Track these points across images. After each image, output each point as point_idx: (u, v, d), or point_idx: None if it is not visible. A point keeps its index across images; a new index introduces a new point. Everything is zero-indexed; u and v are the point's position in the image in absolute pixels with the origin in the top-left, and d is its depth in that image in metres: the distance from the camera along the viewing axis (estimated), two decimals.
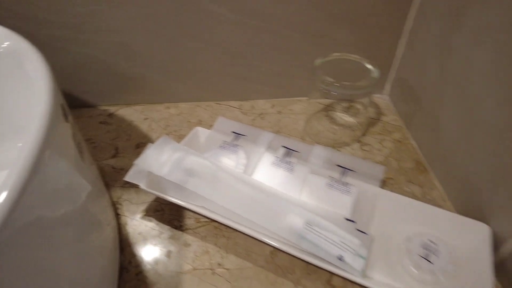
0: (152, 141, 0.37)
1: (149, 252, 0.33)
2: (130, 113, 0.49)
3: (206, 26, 0.43)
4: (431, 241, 0.33)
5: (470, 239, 0.33)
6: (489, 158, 0.32)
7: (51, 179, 0.21)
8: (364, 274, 0.30)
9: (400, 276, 0.31)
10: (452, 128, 0.38)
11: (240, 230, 0.32)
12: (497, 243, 0.31)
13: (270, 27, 0.44)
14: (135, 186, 0.36)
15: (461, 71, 0.35)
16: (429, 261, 0.31)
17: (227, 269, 0.32)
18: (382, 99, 0.52)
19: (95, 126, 0.47)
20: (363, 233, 0.31)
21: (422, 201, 0.37)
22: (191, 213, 0.36)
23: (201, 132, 0.41)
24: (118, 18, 0.41)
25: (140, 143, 0.44)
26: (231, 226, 0.32)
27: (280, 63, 0.48)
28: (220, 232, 0.35)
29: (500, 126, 0.31)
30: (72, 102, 0.48)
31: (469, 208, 0.35)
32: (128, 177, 0.34)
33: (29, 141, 0.18)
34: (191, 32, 0.43)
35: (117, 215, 0.36)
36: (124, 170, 0.38)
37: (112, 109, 0.50)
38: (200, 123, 0.48)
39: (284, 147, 0.39)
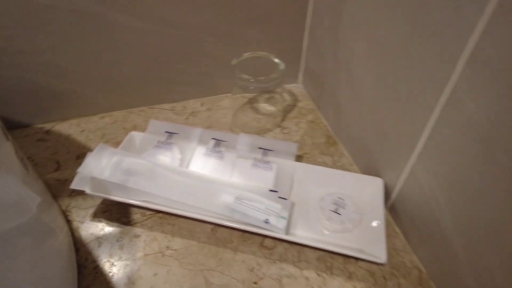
0: (91, 151, 0.41)
1: (103, 248, 0.37)
2: (67, 127, 0.51)
3: (121, 37, 0.47)
4: (340, 198, 0.41)
5: (369, 191, 0.41)
6: (373, 125, 0.41)
7: (1, 194, 0.24)
8: (287, 232, 0.37)
9: (316, 229, 0.38)
10: (347, 105, 0.46)
11: (182, 215, 0.37)
12: (388, 191, 0.40)
13: (185, 33, 0.49)
14: (81, 193, 0.39)
15: (348, 58, 0.44)
16: (338, 213, 0.39)
17: (174, 249, 0.37)
18: (297, 87, 0.60)
19: (34, 144, 0.49)
20: (284, 199, 0.38)
21: (333, 168, 0.45)
22: (137, 209, 0.40)
23: (136, 136, 0.45)
24: (38, 39, 0.44)
25: (80, 154, 0.47)
26: (174, 213, 0.37)
27: (202, 65, 0.53)
28: (165, 221, 0.39)
29: (375, 99, 0.39)
30: (6, 124, 0.49)
31: (368, 167, 0.44)
32: (73, 185, 0.37)
33: None
34: (110, 44, 0.47)
35: (68, 221, 0.39)
36: (69, 180, 0.41)
37: (48, 126, 0.52)
38: (135, 128, 0.51)
39: (214, 139, 0.45)
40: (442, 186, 0.31)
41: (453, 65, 0.26)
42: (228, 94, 0.58)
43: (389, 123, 0.37)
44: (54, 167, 0.45)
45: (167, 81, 0.53)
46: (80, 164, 0.38)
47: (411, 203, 0.36)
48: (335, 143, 0.50)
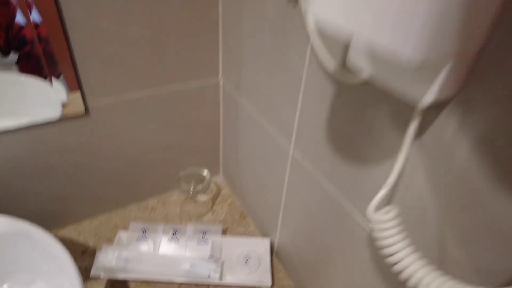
0: (89, 247, 0.66)
1: None
2: (68, 232, 0.76)
3: (98, 176, 0.75)
4: (248, 254, 0.73)
5: (263, 246, 0.74)
6: (260, 204, 0.75)
7: None
8: (221, 279, 0.67)
9: (238, 273, 0.69)
10: (248, 192, 0.80)
11: (160, 281, 0.66)
12: (273, 245, 0.73)
13: (145, 157, 0.79)
14: (94, 279, 0.65)
15: (243, 162, 0.78)
16: (247, 263, 0.71)
17: None
18: (219, 178, 0.93)
19: None
20: (217, 261, 0.69)
21: (245, 235, 0.77)
22: (132, 282, 0.67)
23: (122, 234, 0.73)
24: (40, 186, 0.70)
25: (84, 250, 0.72)
26: (155, 280, 0.66)
27: (158, 177, 0.83)
28: (150, 285, 0.67)
29: (256, 187, 0.73)
30: None
31: (263, 232, 0.77)
32: (92, 272, 0.63)
33: None
34: (95, 178, 0.75)
35: None
36: (81, 269, 0.66)
37: (53, 231, 0.76)
38: (116, 226, 0.78)
39: (172, 229, 0.74)
40: (297, 237, 0.65)
41: (290, 141, 0.61)
42: (175, 191, 0.88)
43: (265, 203, 0.71)
44: None
45: (133, 187, 0.82)
46: (85, 258, 0.64)
47: (284, 249, 0.70)
48: (245, 217, 0.83)
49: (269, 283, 0.66)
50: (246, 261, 0.71)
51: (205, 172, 0.80)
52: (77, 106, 0.62)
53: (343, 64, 0.40)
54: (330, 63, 0.41)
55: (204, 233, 0.74)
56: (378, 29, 0.24)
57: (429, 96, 0.28)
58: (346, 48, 0.38)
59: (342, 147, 0.45)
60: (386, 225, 0.33)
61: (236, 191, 0.87)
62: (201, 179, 0.79)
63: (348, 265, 0.50)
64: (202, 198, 0.86)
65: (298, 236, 0.62)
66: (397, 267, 0.32)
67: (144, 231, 0.73)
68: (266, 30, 0.54)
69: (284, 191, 0.62)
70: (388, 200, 0.38)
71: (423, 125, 0.32)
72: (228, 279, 0.68)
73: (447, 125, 0.30)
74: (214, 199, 0.87)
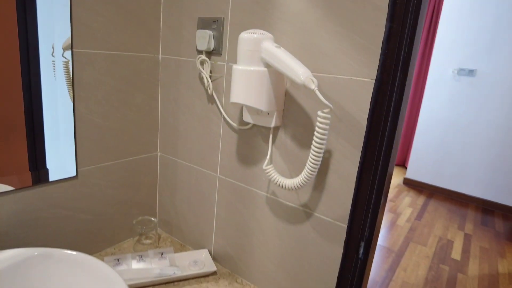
0: None
1: None
2: None
3: (67, 225, 1.03)
4: (195, 259, 1.08)
5: (204, 254, 1.10)
6: (194, 234, 1.13)
7: None
8: (182, 273, 1.00)
9: (192, 270, 1.03)
10: (184, 220, 1.17)
11: (143, 284, 0.94)
12: (211, 253, 1.11)
13: (101, 217, 1.09)
14: None
15: (174, 209, 1.17)
16: (196, 264, 1.06)
17: None
18: (160, 228, 1.26)
19: None
20: (176, 267, 1.01)
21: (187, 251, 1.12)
22: None
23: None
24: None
25: None
26: (140, 285, 0.93)
27: (114, 228, 1.12)
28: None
29: (192, 222, 1.13)
30: None
31: (200, 247, 1.14)
32: None
33: None
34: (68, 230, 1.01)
35: None
36: None
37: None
38: None
39: (138, 255, 1.03)
40: (227, 234, 1.06)
41: None
42: (125, 240, 1.16)
43: (200, 223, 1.11)
44: None
45: (94, 240, 1.08)
46: None
47: (219, 250, 1.09)
48: (184, 246, 1.17)
49: (215, 268, 1.02)
50: (195, 263, 1.06)
51: (153, 219, 1.15)
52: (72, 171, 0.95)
53: (240, 122, 0.94)
54: (233, 124, 0.95)
55: (161, 253, 1.06)
56: (254, 100, 0.79)
57: (274, 123, 0.84)
58: (241, 113, 0.93)
59: (243, 160, 0.96)
60: (269, 168, 0.84)
61: (172, 230, 1.22)
62: (148, 224, 1.13)
63: (261, 226, 0.96)
64: (148, 241, 1.17)
65: (228, 232, 1.04)
66: (271, 178, 0.83)
67: (117, 260, 1.00)
68: (195, 117, 1.05)
69: (215, 205, 1.06)
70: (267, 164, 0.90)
71: (273, 136, 0.87)
72: (187, 274, 1.01)
73: (281, 134, 0.86)
74: (157, 240, 1.19)
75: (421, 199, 3.46)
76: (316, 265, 0.86)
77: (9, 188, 0.85)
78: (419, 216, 3.13)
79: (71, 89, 0.90)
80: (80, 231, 1.02)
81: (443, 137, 3.43)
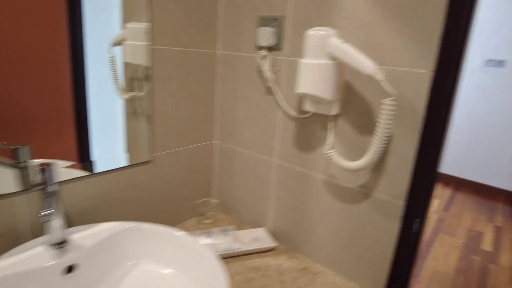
0: None
1: None
2: None
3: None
4: (255, 237, 1.18)
5: (262, 232, 1.21)
6: (253, 213, 1.24)
7: None
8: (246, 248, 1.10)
9: (253, 246, 1.13)
10: (240, 203, 1.28)
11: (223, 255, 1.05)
12: (270, 231, 1.21)
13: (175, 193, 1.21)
14: None
15: (234, 192, 1.28)
16: (256, 241, 1.16)
17: None
18: (217, 210, 1.37)
19: None
20: (239, 242, 1.12)
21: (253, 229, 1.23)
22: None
23: None
24: None
25: None
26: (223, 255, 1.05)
27: (177, 209, 1.24)
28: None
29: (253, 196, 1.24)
30: None
31: (257, 226, 1.24)
32: None
33: None
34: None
35: None
36: None
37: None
38: None
39: (205, 232, 1.15)
40: (284, 215, 1.16)
41: None
42: (191, 219, 1.28)
43: (256, 205, 1.21)
44: None
45: (167, 217, 1.20)
46: None
47: (275, 229, 1.19)
48: (241, 226, 1.28)
49: (275, 244, 1.13)
50: (255, 240, 1.16)
51: (212, 200, 1.27)
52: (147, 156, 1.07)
53: (299, 111, 1.03)
54: (292, 112, 1.04)
55: (225, 230, 1.17)
56: (319, 90, 0.88)
57: (334, 111, 0.93)
58: (299, 103, 1.03)
59: (300, 146, 1.05)
60: (331, 153, 0.93)
61: (229, 211, 1.33)
62: (208, 206, 1.24)
63: (317, 205, 1.05)
64: (208, 221, 1.29)
65: (285, 212, 1.14)
66: (334, 162, 0.92)
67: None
68: (253, 108, 1.15)
69: (273, 187, 1.16)
70: (329, 149, 0.99)
71: (333, 123, 0.97)
72: (250, 249, 1.12)
73: (340, 121, 0.95)
74: (215, 220, 1.30)
75: (448, 191, 3.48)
76: (372, 240, 0.95)
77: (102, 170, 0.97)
78: (447, 208, 3.17)
79: (116, 84, 1.00)
80: (151, 210, 1.14)
81: (470, 129, 3.43)
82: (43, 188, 0.75)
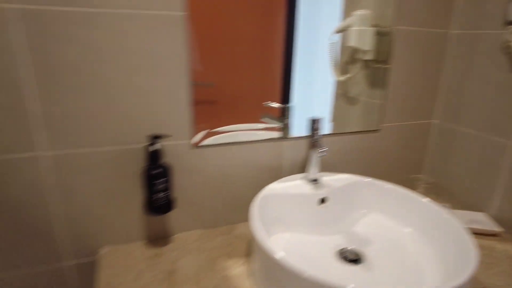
0: None
1: None
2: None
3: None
4: (474, 221, 1.15)
5: (482, 216, 1.16)
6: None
7: None
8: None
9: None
10: (458, 183, 1.26)
11: None
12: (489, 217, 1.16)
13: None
14: None
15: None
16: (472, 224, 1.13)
17: None
18: (427, 186, 1.40)
19: None
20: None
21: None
22: None
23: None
24: None
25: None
26: None
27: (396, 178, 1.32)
28: None
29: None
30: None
31: (471, 208, 1.20)
32: None
33: None
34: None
35: None
36: None
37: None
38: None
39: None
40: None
41: None
42: None
43: (478, 187, 1.17)
44: None
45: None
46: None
47: (502, 219, 1.12)
48: (454, 207, 1.27)
49: (500, 229, 1.07)
50: (475, 222, 1.13)
51: (426, 177, 1.30)
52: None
53: None
54: None
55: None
56: None
57: None
58: None
59: None
60: None
61: (440, 192, 1.33)
62: (420, 182, 1.28)
63: None
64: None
65: None
66: None
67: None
68: (490, 87, 1.11)
69: (500, 174, 1.10)
70: None
71: None
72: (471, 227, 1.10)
73: None
74: None
75: None
76: None
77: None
78: None
79: (334, 67, 1.06)
80: (370, 173, 1.27)
81: None
82: (312, 135, 0.97)
